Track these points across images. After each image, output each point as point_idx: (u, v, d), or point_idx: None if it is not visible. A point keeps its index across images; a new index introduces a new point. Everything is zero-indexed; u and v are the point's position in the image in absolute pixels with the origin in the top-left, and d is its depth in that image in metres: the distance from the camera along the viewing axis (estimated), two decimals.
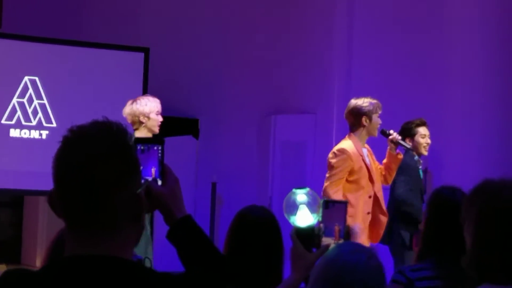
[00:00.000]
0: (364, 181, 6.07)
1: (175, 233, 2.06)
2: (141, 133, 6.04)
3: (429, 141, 6.80)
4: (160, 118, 6.16)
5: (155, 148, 2.06)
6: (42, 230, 8.41)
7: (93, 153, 1.67)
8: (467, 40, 7.85)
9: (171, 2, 8.90)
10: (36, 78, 7.89)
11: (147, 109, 6.09)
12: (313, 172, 8.58)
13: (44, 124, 7.93)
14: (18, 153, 7.84)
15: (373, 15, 8.63)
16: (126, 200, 1.69)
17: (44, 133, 7.93)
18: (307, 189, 4.30)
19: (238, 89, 9.19)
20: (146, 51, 8.21)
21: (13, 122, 7.85)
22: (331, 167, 6.04)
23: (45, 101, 7.92)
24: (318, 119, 8.88)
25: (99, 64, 8.09)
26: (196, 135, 8.69)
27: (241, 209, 3.51)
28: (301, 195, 4.14)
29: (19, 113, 7.85)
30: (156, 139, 2.06)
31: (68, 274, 1.64)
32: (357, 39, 8.72)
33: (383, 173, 6.25)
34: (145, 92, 7.92)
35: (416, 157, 6.75)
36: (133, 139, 1.77)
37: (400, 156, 6.26)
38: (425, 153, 6.79)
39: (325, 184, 6.04)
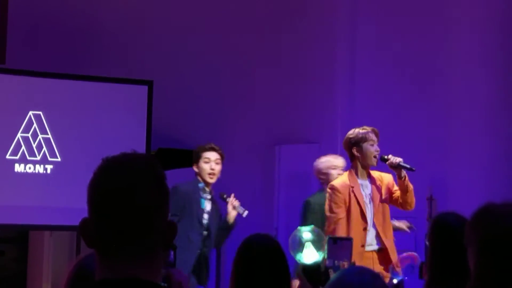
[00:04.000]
0: (355, 214, 6.07)
1: None
2: None
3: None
4: None
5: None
6: (47, 265, 8.39)
7: (132, 181, 1.72)
8: (473, 67, 7.87)
9: (174, 35, 8.93)
10: (40, 113, 7.90)
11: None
12: None
13: (49, 159, 7.93)
14: (23, 188, 7.83)
15: (375, 43, 8.67)
16: (161, 227, 1.74)
17: (49, 167, 7.93)
18: (312, 226, 4.30)
19: (241, 121, 9.20)
20: (149, 84, 8.22)
21: (17, 157, 7.84)
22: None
23: (50, 136, 7.92)
24: (322, 149, 8.88)
25: (103, 98, 8.11)
26: None
27: (246, 238, 3.51)
28: (306, 233, 4.14)
29: (23, 148, 7.85)
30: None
31: None
32: (359, 67, 8.75)
33: (400, 201, 6.22)
34: (149, 124, 7.94)
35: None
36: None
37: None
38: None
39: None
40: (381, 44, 8.63)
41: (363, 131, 6.15)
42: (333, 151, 8.46)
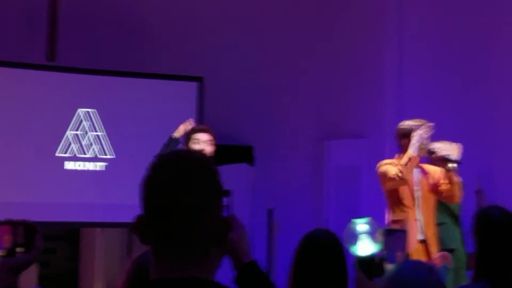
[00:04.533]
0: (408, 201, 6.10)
1: (242, 277, 2.18)
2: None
3: (205, 147, 6.24)
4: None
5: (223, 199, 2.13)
6: (99, 262, 8.44)
7: (182, 178, 1.71)
8: None
9: (223, 31, 8.94)
10: (90, 110, 7.94)
11: None
12: (368, 197, 8.53)
13: (99, 156, 7.97)
14: (73, 186, 7.87)
15: (424, 36, 8.62)
16: (213, 224, 1.73)
17: (99, 164, 7.97)
18: (367, 218, 4.28)
19: (291, 116, 9.22)
20: (200, 80, 8.23)
21: (67, 154, 7.89)
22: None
23: (100, 133, 7.96)
24: (371, 143, 8.86)
25: (154, 94, 8.14)
26: (250, 162, 8.68)
27: (307, 233, 3.52)
28: (361, 225, 4.12)
29: (73, 145, 7.89)
30: (224, 192, 2.12)
31: None
32: (408, 60, 8.71)
33: (445, 194, 6.20)
34: (199, 121, 7.95)
35: None
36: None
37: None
38: None
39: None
40: (430, 37, 8.57)
41: (416, 123, 6.16)
42: (381, 145, 8.45)
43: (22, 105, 7.72)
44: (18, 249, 2.19)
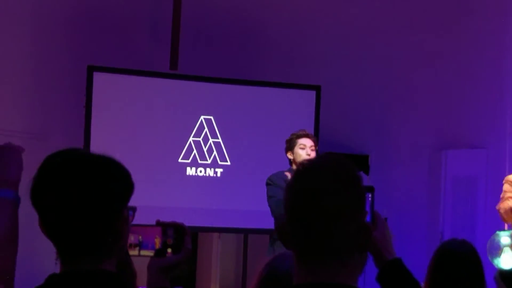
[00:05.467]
0: None
1: (385, 275, 2.13)
2: None
3: (310, 152, 6.35)
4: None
5: (367, 195, 2.12)
6: (216, 266, 8.58)
7: (321, 183, 1.74)
8: None
9: (340, 40, 8.97)
10: (211, 117, 8.12)
11: None
12: (486, 209, 8.42)
13: (219, 162, 8.14)
14: (194, 191, 8.06)
15: None
16: (355, 230, 1.74)
17: (219, 171, 8.14)
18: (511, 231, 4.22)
19: (408, 124, 9.15)
20: (317, 89, 8.29)
21: (189, 161, 8.09)
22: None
23: (220, 140, 8.14)
24: (490, 154, 8.74)
25: (271, 103, 8.24)
26: (366, 171, 8.68)
27: (442, 244, 3.49)
28: (505, 237, 4.08)
29: (195, 151, 8.09)
30: (368, 187, 2.11)
31: None
32: None
33: None
34: (316, 129, 8.02)
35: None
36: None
37: None
38: None
39: None
40: None
41: None
42: (501, 156, 8.32)
43: (147, 112, 7.98)
44: (168, 250, 2.22)
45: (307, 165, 1.80)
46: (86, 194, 1.75)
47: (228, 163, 8.16)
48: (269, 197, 6.31)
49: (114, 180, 1.81)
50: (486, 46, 8.88)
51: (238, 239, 8.62)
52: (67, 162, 1.83)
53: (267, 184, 6.36)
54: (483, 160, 8.79)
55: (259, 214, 7.31)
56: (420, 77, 9.16)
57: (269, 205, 6.30)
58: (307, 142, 6.39)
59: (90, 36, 8.18)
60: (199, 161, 8.11)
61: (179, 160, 8.06)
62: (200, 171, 8.10)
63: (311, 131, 7.64)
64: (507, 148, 8.24)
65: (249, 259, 8.23)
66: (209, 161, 8.12)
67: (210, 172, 8.13)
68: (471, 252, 3.42)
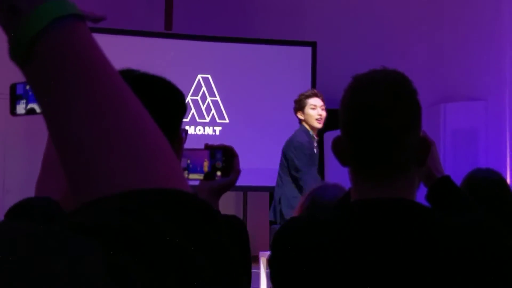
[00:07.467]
0: None
1: (434, 193, 2.07)
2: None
3: (321, 112, 6.22)
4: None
5: None
6: None
7: (385, 98, 1.70)
8: None
9: None
10: (209, 76, 8.12)
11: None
12: (487, 161, 8.41)
13: (217, 121, 8.15)
14: None
15: None
16: (414, 144, 1.71)
17: (218, 129, 8.15)
18: None
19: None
20: (313, 45, 8.27)
21: (187, 119, 8.10)
22: None
23: (218, 98, 8.14)
24: (489, 106, 8.70)
25: (268, 60, 8.24)
26: None
27: (469, 173, 3.49)
28: None
29: (193, 110, 8.10)
30: None
31: (367, 216, 1.66)
32: None
33: None
34: (313, 86, 8.01)
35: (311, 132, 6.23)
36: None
37: None
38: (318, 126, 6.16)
39: None
40: None
41: None
42: (500, 108, 8.29)
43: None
44: (218, 173, 2.19)
45: (363, 80, 1.75)
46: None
47: (227, 121, 8.17)
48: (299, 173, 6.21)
49: (172, 98, 1.78)
50: None
51: (238, 197, 8.66)
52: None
53: (297, 170, 6.20)
54: (482, 112, 8.75)
55: (258, 171, 7.34)
56: (418, 31, 9.12)
57: (300, 178, 6.19)
58: (317, 102, 6.34)
59: None
60: (198, 120, 8.12)
61: None
62: (199, 130, 8.11)
63: (308, 87, 7.64)
64: (506, 99, 8.19)
65: (249, 216, 8.28)
66: (207, 120, 8.13)
67: (209, 130, 8.14)
68: (500, 178, 3.45)
